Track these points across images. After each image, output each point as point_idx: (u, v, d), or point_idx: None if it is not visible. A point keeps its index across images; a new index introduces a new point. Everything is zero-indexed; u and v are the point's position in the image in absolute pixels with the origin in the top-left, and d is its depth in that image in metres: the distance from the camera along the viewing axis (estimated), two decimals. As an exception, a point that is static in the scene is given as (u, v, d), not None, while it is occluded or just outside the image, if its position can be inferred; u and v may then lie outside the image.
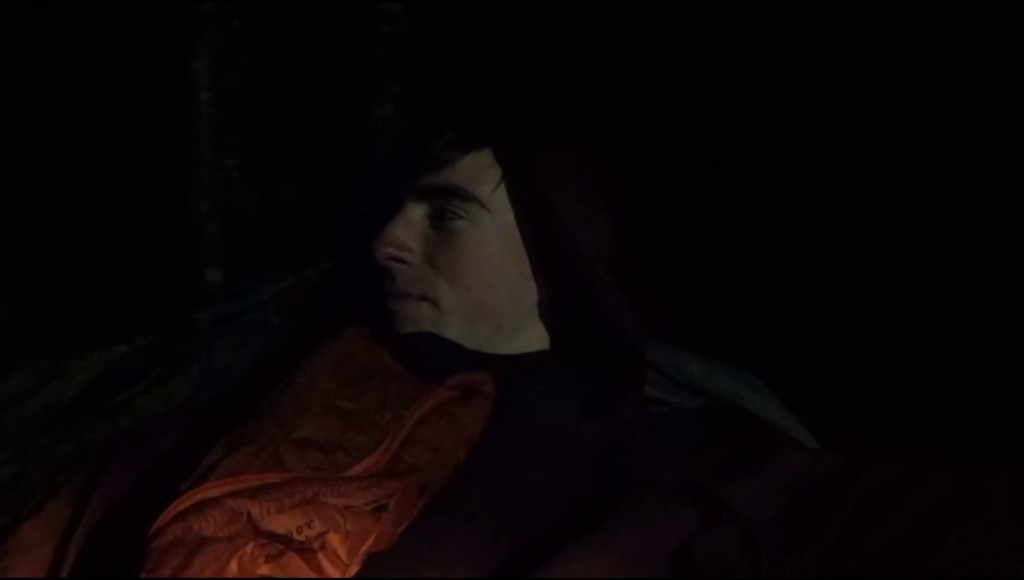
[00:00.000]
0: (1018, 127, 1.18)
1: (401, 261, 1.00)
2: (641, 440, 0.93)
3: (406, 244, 1.00)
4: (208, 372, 1.09)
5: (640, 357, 1.00)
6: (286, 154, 1.44)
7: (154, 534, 0.69)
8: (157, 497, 0.72)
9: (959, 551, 0.76)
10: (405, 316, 0.99)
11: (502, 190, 1.01)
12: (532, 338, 1.03)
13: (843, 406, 1.14)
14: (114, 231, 1.39)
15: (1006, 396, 1.13)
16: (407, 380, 0.89)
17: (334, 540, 0.72)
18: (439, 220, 1.00)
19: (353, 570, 0.72)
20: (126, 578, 0.68)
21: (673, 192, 1.32)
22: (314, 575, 0.71)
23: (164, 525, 0.69)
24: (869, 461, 0.86)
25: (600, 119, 1.34)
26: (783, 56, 1.30)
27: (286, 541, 0.71)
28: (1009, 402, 1.13)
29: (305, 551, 0.71)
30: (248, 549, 0.69)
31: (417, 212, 1.01)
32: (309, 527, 0.71)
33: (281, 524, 0.71)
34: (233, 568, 0.68)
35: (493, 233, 1.00)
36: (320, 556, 0.71)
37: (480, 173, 1.01)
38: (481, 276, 0.99)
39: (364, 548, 0.73)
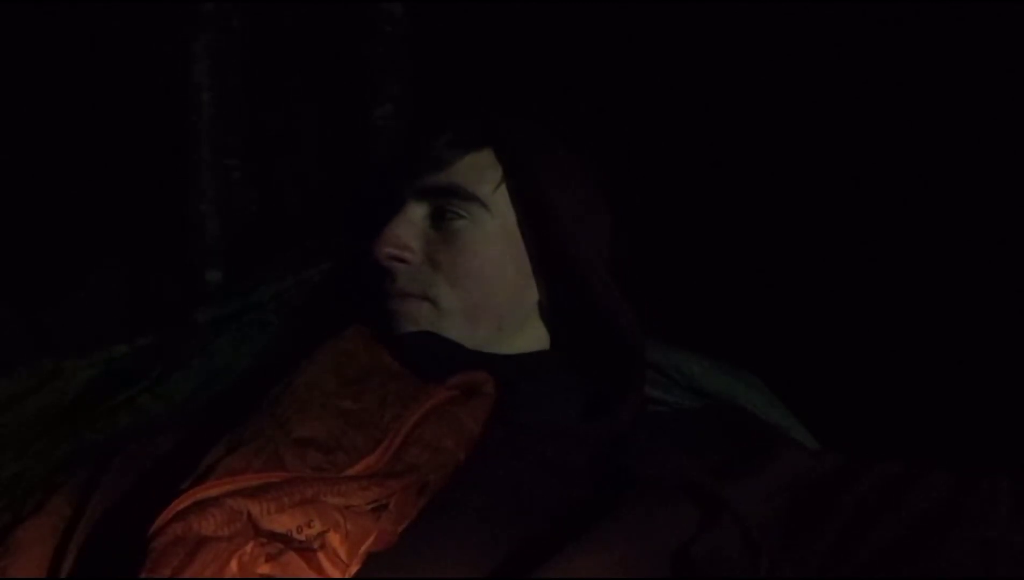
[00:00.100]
0: (1018, 127, 1.18)
1: (401, 261, 1.00)
2: (641, 440, 0.93)
3: (406, 244, 1.00)
4: (208, 372, 1.09)
5: (640, 357, 1.00)
6: (286, 154, 1.44)
7: (154, 533, 0.69)
8: (157, 497, 0.72)
9: (959, 551, 0.76)
10: (405, 316, 0.99)
11: (503, 190, 1.01)
12: (532, 338, 1.03)
13: (843, 406, 1.14)
14: (114, 231, 1.39)
15: (1006, 396, 1.13)
16: (407, 380, 0.89)
17: (334, 540, 0.72)
18: (439, 220, 1.00)
19: (353, 570, 0.72)
20: (126, 578, 0.68)
21: (673, 192, 1.32)
22: (314, 575, 0.71)
23: (164, 524, 0.69)
24: (869, 461, 0.86)
25: (600, 119, 1.34)
26: (783, 56, 1.30)
27: (286, 540, 0.71)
28: (1009, 402, 1.13)
29: (305, 550, 0.71)
30: (248, 548, 0.69)
31: (417, 212, 1.01)
32: (309, 526, 0.71)
33: (281, 523, 0.71)
34: (233, 567, 0.68)
35: (494, 233, 1.00)
36: (320, 556, 0.71)
37: (480, 173, 1.01)
38: (482, 276, 0.99)
39: (364, 548, 0.73)
